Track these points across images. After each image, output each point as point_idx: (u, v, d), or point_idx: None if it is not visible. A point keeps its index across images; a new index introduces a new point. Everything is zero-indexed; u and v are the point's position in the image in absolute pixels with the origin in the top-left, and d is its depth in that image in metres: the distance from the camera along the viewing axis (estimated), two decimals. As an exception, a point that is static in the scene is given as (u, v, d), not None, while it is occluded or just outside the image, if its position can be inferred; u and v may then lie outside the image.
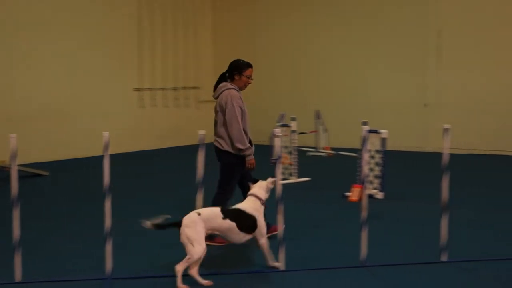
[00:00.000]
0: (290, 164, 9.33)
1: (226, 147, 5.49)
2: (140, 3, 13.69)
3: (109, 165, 4.54)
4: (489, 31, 12.15)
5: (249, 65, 5.62)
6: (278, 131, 5.20)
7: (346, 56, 13.74)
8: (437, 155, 11.90)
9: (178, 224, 4.44)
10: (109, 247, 4.57)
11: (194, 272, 4.41)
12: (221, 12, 15.61)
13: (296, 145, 9.40)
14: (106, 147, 4.52)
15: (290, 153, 9.35)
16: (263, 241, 4.78)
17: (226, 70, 5.68)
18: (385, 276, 4.67)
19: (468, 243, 5.55)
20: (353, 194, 7.65)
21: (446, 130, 4.91)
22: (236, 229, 4.63)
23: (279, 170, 4.87)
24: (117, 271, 4.64)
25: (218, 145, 5.57)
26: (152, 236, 5.45)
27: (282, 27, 14.65)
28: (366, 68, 13.47)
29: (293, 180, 9.20)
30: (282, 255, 4.81)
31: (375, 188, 7.84)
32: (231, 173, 5.56)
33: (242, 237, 4.70)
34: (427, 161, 11.52)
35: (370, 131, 7.38)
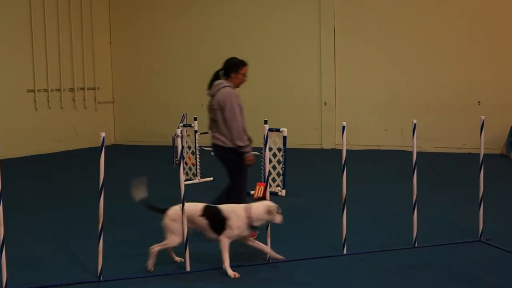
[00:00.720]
0: (193, 164, 9.30)
1: (229, 143, 5.53)
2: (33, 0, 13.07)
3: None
4: (384, 30, 12.68)
5: (244, 63, 5.69)
6: (180, 131, 5.17)
7: (247, 56, 13.89)
8: (334, 151, 12.36)
9: (163, 212, 4.80)
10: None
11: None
12: (118, 11, 15.23)
13: (199, 145, 9.37)
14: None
15: (193, 153, 9.31)
16: (222, 238, 4.70)
17: (221, 68, 5.71)
18: (289, 271, 4.78)
19: (364, 235, 5.79)
20: (257, 192, 7.74)
21: (343, 127, 5.11)
22: (209, 227, 4.77)
23: (182, 171, 4.84)
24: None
25: (220, 142, 5.58)
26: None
27: (179, 26, 14.53)
28: (266, 68, 13.66)
29: (197, 180, 9.17)
30: (187, 256, 4.78)
31: (277, 186, 7.99)
32: (238, 167, 5.60)
33: (214, 236, 4.77)
34: (326, 158, 11.88)
35: (271, 130, 7.54)
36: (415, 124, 5.32)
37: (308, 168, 10.40)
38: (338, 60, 13.15)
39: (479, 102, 11.93)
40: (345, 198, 5.12)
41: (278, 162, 7.94)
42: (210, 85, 5.68)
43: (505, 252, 5.11)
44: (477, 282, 4.43)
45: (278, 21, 13.60)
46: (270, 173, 7.88)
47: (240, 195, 5.52)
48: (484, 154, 5.46)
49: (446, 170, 10.07)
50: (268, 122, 6.89)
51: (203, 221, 4.78)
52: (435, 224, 6.14)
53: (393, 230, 5.95)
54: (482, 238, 5.46)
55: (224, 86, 5.59)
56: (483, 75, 11.89)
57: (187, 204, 4.75)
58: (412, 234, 5.32)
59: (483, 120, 5.45)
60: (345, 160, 5.08)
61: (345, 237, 5.15)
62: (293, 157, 9.85)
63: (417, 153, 5.37)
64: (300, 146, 12.72)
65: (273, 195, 7.62)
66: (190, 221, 4.75)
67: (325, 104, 13.15)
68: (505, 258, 4.97)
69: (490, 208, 6.01)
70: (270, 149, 7.78)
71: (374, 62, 12.85)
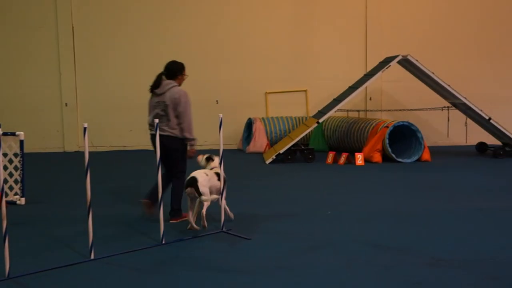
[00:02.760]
0: None
1: (179, 135, 6.23)
2: None
3: None
4: (124, 29, 12.62)
5: (184, 66, 6.58)
6: None
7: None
8: (77, 154, 11.95)
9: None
10: None
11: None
12: None
13: None
14: None
15: None
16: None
17: (165, 71, 6.46)
18: (33, 285, 4.45)
19: (113, 238, 5.70)
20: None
21: (85, 129, 4.94)
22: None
23: None
24: None
25: (171, 134, 6.22)
26: None
27: None
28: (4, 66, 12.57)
29: None
30: None
31: (15, 194, 7.39)
32: (183, 156, 6.34)
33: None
34: (69, 161, 11.41)
35: (6, 134, 6.94)
36: (157, 123, 5.41)
37: (50, 173, 9.84)
38: (78, 60, 12.74)
39: (217, 101, 12.69)
40: (90, 202, 4.96)
41: (15, 168, 7.34)
42: (158, 85, 6.37)
43: (244, 239, 5.51)
44: (220, 269, 4.69)
45: (14, 18, 12.65)
46: (6, 181, 7.25)
47: (184, 179, 6.01)
48: (224, 150, 5.81)
49: (188, 166, 10.44)
50: (1, 125, 6.31)
51: (218, 183, 5.82)
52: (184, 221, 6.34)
53: (140, 229, 5.96)
54: (224, 229, 5.81)
55: (174, 85, 6.36)
56: (219, 75, 12.69)
57: (206, 171, 5.80)
58: (159, 232, 5.40)
59: (221, 118, 5.80)
60: (88, 163, 4.92)
61: (92, 242, 4.99)
62: (33, 162, 9.23)
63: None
64: (40, 150, 12.01)
65: (11, 204, 7.03)
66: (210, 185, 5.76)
67: (66, 105, 12.62)
68: (245, 245, 5.36)
69: (232, 200, 6.42)
70: (5, 155, 7.15)
71: (116, 61, 12.75)
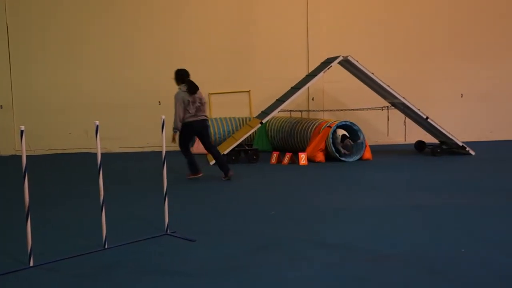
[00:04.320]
0: None
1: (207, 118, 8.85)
2: None
3: None
4: (57, 26, 12.33)
5: None
6: None
7: None
8: (15, 158, 11.58)
9: None
10: None
11: None
12: None
13: None
14: None
15: None
16: None
17: (188, 76, 8.71)
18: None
19: (53, 243, 5.55)
20: None
21: (22, 131, 4.78)
22: None
23: None
24: None
25: (205, 118, 8.76)
26: None
27: None
28: None
29: None
30: None
31: None
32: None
33: None
34: (5, 165, 11.02)
35: None
36: (97, 125, 5.29)
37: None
38: (14, 59, 12.34)
39: (159, 102, 12.55)
40: (28, 207, 4.80)
41: None
42: (194, 87, 8.65)
43: (189, 242, 5.47)
44: (165, 272, 4.64)
45: None
46: None
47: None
48: (166, 152, 5.75)
49: (131, 168, 10.32)
50: None
51: None
52: (124, 222, 6.23)
53: (83, 234, 5.83)
54: (168, 231, 5.75)
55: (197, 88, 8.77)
56: (160, 76, 12.55)
57: None
58: (101, 235, 5.29)
59: (163, 119, 5.73)
60: (25, 167, 4.76)
61: (31, 248, 4.83)
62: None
63: (102, 153, 5.35)
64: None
65: None
66: None
67: (1, 107, 12.19)
68: (190, 247, 5.33)
69: (174, 201, 6.36)
70: None
71: (53, 60, 12.43)
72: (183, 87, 8.55)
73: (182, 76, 8.67)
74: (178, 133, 8.57)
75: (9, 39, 12.27)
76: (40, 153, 12.10)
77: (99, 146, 5.29)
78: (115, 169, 9.97)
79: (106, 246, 5.29)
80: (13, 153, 12.19)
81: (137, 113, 12.55)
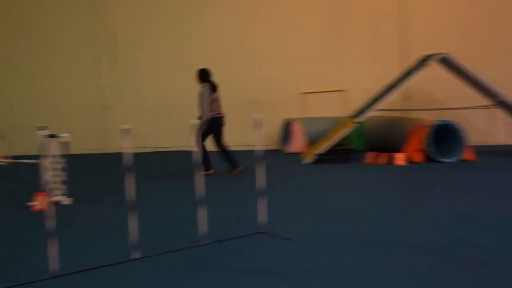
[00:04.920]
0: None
1: None
2: None
3: None
4: (161, 31, 12.81)
5: None
6: None
7: (18, 61, 12.93)
8: (119, 155, 12.20)
9: None
10: None
11: None
12: None
13: (-33, 156, 8.47)
14: None
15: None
16: None
17: (210, 74, 9.35)
18: (79, 283, 4.56)
19: (155, 237, 5.79)
20: (38, 203, 7.26)
21: (125, 130, 5.02)
22: None
23: None
24: None
25: (223, 115, 9.47)
26: None
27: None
28: (41, 71, 12.89)
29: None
30: None
31: (61, 194, 7.58)
32: None
33: None
34: (111, 162, 11.61)
35: (50, 136, 7.11)
36: (193, 124, 5.46)
37: (94, 173, 10.04)
38: (118, 61, 12.97)
39: (253, 101, 12.72)
40: (133, 201, 5.05)
41: (60, 169, 7.53)
42: (216, 86, 9.35)
43: (284, 240, 5.51)
44: (258, 270, 4.70)
45: (54, 21, 12.95)
46: (51, 182, 7.43)
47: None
48: (261, 150, 5.82)
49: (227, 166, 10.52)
50: (47, 127, 6.48)
51: None
52: (220, 219, 6.38)
53: (183, 229, 6.03)
54: (264, 230, 5.82)
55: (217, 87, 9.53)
56: (255, 75, 12.70)
57: None
58: (198, 232, 5.45)
59: (260, 118, 5.81)
60: (130, 163, 5.01)
61: (133, 242, 5.07)
62: (78, 163, 9.46)
63: (197, 151, 5.52)
64: (84, 151, 12.25)
65: (57, 204, 7.21)
66: None
67: (106, 107, 12.86)
68: (285, 246, 5.36)
69: (273, 200, 6.43)
70: (50, 156, 7.33)
71: (154, 63, 12.94)
72: (207, 86, 9.18)
73: (205, 76, 9.25)
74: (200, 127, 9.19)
75: (114, 42, 12.89)
76: (141, 151, 12.62)
77: (195, 144, 5.45)
78: (214, 166, 10.21)
79: (202, 242, 5.45)
80: (117, 151, 12.82)
81: (231, 112, 12.79)
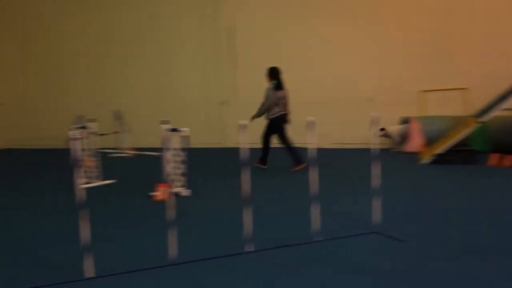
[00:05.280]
0: (93, 167, 9.02)
1: None
2: None
3: None
4: (280, 31, 12.96)
5: None
6: (75, 133, 5.00)
7: (144, 56, 13.67)
8: (236, 150, 12.50)
9: None
10: None
11: None
12: (2, 12, 14.46)
13: (97, 147, 9.11)
14: None
15: (91, 155, 9.03)
16: None
17: (279, 73, 9.67)
18: (194, 272, 4.76)
19: (267, 232, 5.89)
20: (159, 194, 7.66)
21: (242, 126, 5.16)
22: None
23: (78, 174, 4.68)
24: None
25: (287, 113, 9.70)
26: None
27: (67, 26, 14.06)
28: (167, 69, 13.53)
29: (97, 183, 8.91)
30: (89, 262, 4.64)
31: (181, 186, 7.94)
32: None
33: None
34: (227, 156, 11.95)
35: (172, 130, 7.47)
36: (312, 121, 5.48)
37: (212, 167, 10.40)
38: (238, 58, 13.28)
39: (370, 98, 12.50)
40: (247, 196, 5.18)
41: (181, 162, 7.89)
42: (282, 85, 9.61)
43: (396, 241, 5.39)
44: (368, 271, 4.64)
45: (173, 21, 13.53)
46: (172, 174, 7.81)
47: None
48: (376, 149, 5.73)
49: (343, 164, 10.45)
50: (169, 121, 6.82)
51: None
52: (333, 217, 6.36)
53: (294, 225, 6.09)
54: (377, 230, 5.73)
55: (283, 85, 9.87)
56: (372, 73, 12.49)
57: None
58: (310, 228, 5.47)
59: (375, 116, 5.72)
60: (246, 158, 5.15)
61: (247, 235, 5.21)
62: (197, 157, 9.85)
63: (316, 149, 5.54)
64: (202, 146, 12.70)
65: (176, 196, 7.56)
66: None
67: (224, 103, 13.22)
68: (398, 247, 5.25)
69: (386, 200, 6.31)
70: (172, 149, 7.71)
71: (271, 60, 13.11)
72: (273, 84, 9.51)
73: (274, 74, 9.56)
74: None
75: (234, 39, 13.24)
76: (253, 147, 12.85)
77: (312, 141, 5.48)
78: (327, 164, 10.20)
79: (314, 239, 5.47)
80: (234, 146, 13.16)
81: (348, 108, 12.65)
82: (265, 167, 9.82)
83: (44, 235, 6.07)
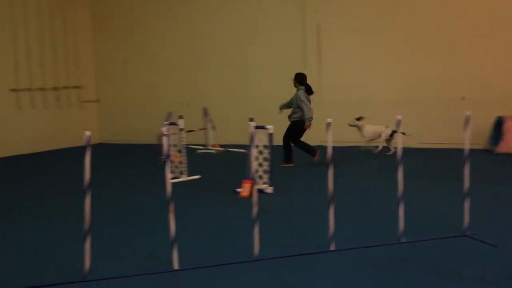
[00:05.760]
0: (180, 163, 9.27)
1: None
2: (14, -1, 12.96)
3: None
4: (366, 25, 12.73)
5: None
6: (166, 129, 5.15)
7: (232, 53, 13.86)
8: (320, 148, 12.39)
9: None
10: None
11: None
12: (100, 10, 15.14)
13: (185, 143, 9.36)
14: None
15: (179, 151, 9.29)
16: None
17: (306, 78, 10.19)
18: (277, 269, 4.78)
19: (351, 231, 5.82)
20: (244, 190, 7.75)
21: (328, 124, 5.12)
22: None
23: (168, 169, 4.83)
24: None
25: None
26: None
27: (162, 24, 14.48)
28: (252, 64, 13.66)
29: (183, 178, 9.15)
30: (175, 254, 4.77)
31: (264, 183, 8.00)
32: None
33: None
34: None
35: (257, 127, 7.53)
36: (399, 119, 5.35)
37: (295, 165, 10.39)
38: (323, 57, 13.19)
39: (463, 97, 12.02)
40: (331, 194, 5.14)
41: (265, 159, 7.94)
42: (311, 90, 10.21)
43: (489, 246, 5.16)
44: (457, 275, 4.47)
45: (262, 17, 13.60)
46: (256, 171, 7.88)
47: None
48: (468, 149, 5.50)
49: (431, 165, 10.14)
50: (255, 119, 6.88)
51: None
52: (420, 219, 6.18)
53: (379, 225, 5.98)
54: (467, 233, 5.51)
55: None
56: (466, 69, 11.99)
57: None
58: (397, 229, 5.35)
59: (469, 116, 5.49)
60: (331, 156, 5.10)
61: (332, 233, 5.17)
62: (280, 155, 9.89)
63: (402, 148, 5.40)
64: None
65: (260, 192, 7.62)
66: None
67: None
68: (488, 252, 5.02)
69: (476, 202, 6.06)
70: (257, 147, 7.78)
71: (357, 58, 12.91)
72: (303, 89, 10.01)
73: (302, 79, 10.10)
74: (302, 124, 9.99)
75: (319, 38, 13.14)
76: (342, 145, 12.69)
77: (399, 141, 5.35)
78: (412, 164, 9.91)
79: (401, 240, 5.34)
80: (319, 143, 13.07)
81: (438, 108, 12.24)
82: (292, 164, 10.09)
83: (132, 227, 6.31)
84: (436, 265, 4.75)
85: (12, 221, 6.81)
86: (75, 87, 14.42)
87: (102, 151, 13.06)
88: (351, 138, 12.56)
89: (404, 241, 5.34)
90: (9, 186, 9.29)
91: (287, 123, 10.41)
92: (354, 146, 12.25)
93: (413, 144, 12.02)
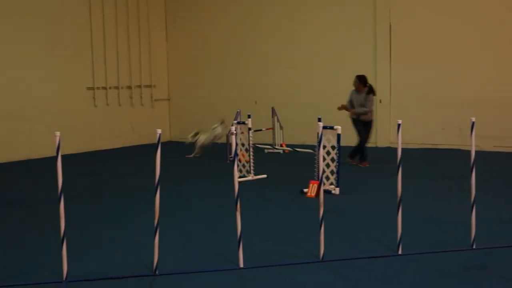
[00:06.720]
0: (247, 162, 9.35)
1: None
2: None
3: (62, 166, 4.47)
4: (440, 25, 12.40)
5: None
6: (234, 128, 5.22)
7: (298, 54, 13.83)
8: (389, 150, 12.17)
9: None
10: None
11: None
12: (174, 10, 15.48)
13: (253, 142, 9.42)
14: (58, 147, 4.44)
15: (247, 150, 9.37)
16: None
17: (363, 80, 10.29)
18: (343, 270, 4.75)
19: (420, 235, 5.68)
20: (310, 190, 7.72)
21: (399, 125, 5.03)
22: None
23: (235, 167, 4.88)
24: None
25: None
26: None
27: (235, 25, 14.62)
28: (319, 64, 13.59)
29: (250, 177, 9.22)
30: (240, 252, 4.82)
31: (331, 184, 7.94)
32: None
33: None
34: (379, 156, 11.70)
35: (325, 127, 7.49)
36: (473, 122, 5.18)
37: (361, 167, 10.26)
38: (394, 57, 12.94)
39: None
40: (400, 197, 5.04)
41: (332, 160, 7.88)
42: (374, 90, 10.38)
43: None
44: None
45: (331, 19, 13.50)
46: (323, 171, 7.83)
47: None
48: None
49: (506, 169, 9.76)
50: (322, 119, 6.85)
51: None
52: (493, 225, 5.96)
53: (449, 231, 5.82)
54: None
55: None
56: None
57: None
58: (470, 235, 5.18)
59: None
60: (400, 159, 5.00)
61: (400, 237, 5.07)
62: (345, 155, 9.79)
63: (476, 152, 5.22)
64: (354, 144, 12.58)
65: (327, 193, 7.58)
66: None
67: (380, 101, 12.91)
68: None
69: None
70: (324, 147, 7.73)
71: (430, 58, 12.59)
72: (368, 89, 10.24)
73: (365, 81, 10.29)
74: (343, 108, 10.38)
75: (391, 38, 12.91)
76: (412, 147, 12.41)
77: (473, 143, 5.17)
78: (490, 169, 9.56)
79: (473, 246, 5.17)
80: (388, 145, 12.83)
81: (501, 110, 11.74)
82: (369, 164, 10.22)
83: (199, 223, 6.42)
84: (509, 272, 4.57)
85: (88, 218, 7.07)
86: (147, 86, 14.81)
87: (172, 148, 13.34)
88: (427, 140, 12.31)
89: (476, 247, 5.16)
90: (78, 180, 9.64)
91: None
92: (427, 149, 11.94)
93: (489, 147, 11.60)
